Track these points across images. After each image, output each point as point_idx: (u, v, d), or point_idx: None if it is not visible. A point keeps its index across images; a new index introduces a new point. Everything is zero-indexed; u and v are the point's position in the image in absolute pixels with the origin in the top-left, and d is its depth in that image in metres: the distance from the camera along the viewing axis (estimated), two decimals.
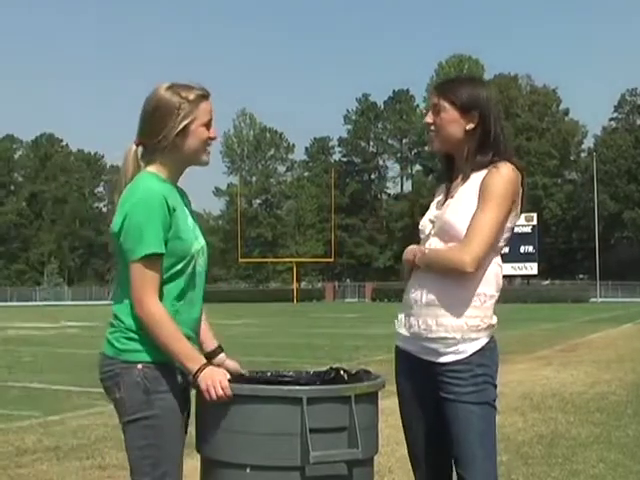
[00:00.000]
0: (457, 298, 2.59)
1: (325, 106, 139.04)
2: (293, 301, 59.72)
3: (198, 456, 2.53)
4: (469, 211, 2.58)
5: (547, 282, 68.61)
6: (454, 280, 2.58)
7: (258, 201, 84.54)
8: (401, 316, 2.75)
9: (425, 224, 2.75)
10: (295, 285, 64.12)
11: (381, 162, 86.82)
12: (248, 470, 2.25)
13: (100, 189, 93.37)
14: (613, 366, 11.57)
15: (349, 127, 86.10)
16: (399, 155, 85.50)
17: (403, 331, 2.72)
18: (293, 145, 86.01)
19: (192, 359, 2.36)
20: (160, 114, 2.45)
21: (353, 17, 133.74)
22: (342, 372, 2.57)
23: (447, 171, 2.79)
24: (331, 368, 2.62)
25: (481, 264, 2.57)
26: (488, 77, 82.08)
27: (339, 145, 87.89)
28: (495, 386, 2.64)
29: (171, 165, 2.51)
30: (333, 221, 69.18)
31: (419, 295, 2.64)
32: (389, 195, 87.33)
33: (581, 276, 73.70)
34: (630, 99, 79.85)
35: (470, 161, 2.65)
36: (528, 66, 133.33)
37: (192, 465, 3.19)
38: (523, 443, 6.08)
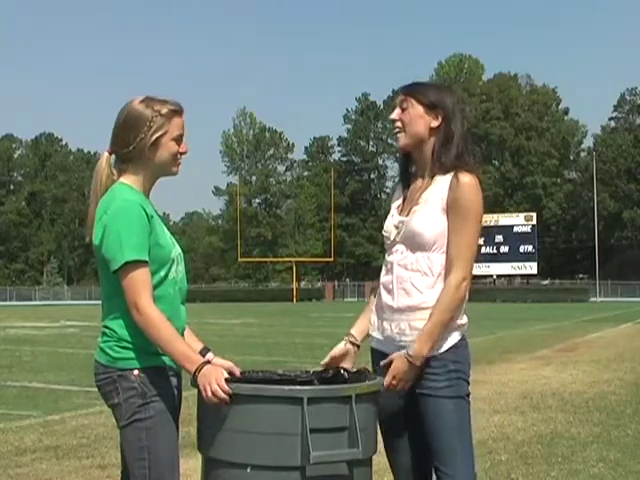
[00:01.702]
0: (428, 302, 2.65)
1: (325, 105, 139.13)
2: (293, 301, 59.72)
3: (199, 456, 2.53)
4: (434, 219, 2.67)
5: (547, 282, 68.60)
6: (423, 285, 2.66)
7: (258, 200, 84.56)
8: (374, 319, 2.82)
9: (390, 229, 2.80)
10: (295, 285, 64.12)
11: (381, 161, 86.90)
12: (249, 470, 2.24)
13: None
14: (613, 366, 11.57)
15: (349, 126, 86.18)
16: (399, 154, 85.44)
17: (377, 334, 2.80)
18: (293, 144, 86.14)
19: (190, 360, 2.38)
20: (132, 125, 2.52)
21: (353, 17, 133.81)
22: (342, 371, 2.57)
23: (405, 172, 2.89)
24: (329, 367, 2.62)
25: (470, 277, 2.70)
26: (488, 77, 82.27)
27: (339, 144, 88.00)
28: (468, 382, 2.72)
29: (142, 176, 2.57)
30: (332, 220, 69.19)
31: (390, 300, 2.72)
32: (388, 195, 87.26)
33: (581, 276, 73.71)
34: (630, 98, 79.88)
35: (434, 161, 2.73)
36: (528, 66, 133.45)
37: (193, 465, 3.17)
38: (523, 442, 6.08)
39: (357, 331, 2.87)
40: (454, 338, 2.67)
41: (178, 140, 2.56)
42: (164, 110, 2.53)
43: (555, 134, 77.89)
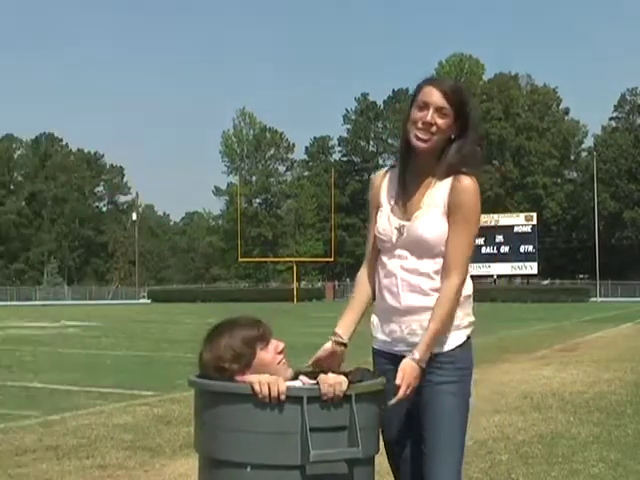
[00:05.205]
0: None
1: (325, 105, 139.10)
2: (293, 301, 59.64)
3: (197, 456, 2.52)
4: (437, 224, 2.64)
5: (547, 282, 68.59)
6: (430, 288, 2.64)
7: (258, 200, 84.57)
8: (376, 321, 2.76)
9: (389, 231, 2.70)
10: (295, 284, 64.07)
11: (381, 161, 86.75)
12: (249, 469, 2.24)
13: (100, 188, 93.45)
14: (613, 366, 11.56)
15: (349, 126, 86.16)
16: (400, 150, 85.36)
17: (381, 336, 2.74)
18: (293, 144, 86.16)
19: None
20: None
21: (353, 16, 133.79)
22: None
23: (403, 169, 2.77)
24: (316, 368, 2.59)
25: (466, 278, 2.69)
26: (488, 77, 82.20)
27: (339, 144, 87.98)
28: (471, 383, 2.69)
29: None
30: (333, 220, 69.13)
31: (396, 302, 2.67)
32: None
33: (581, 276, 73.65)
34: (630, 98, 79.83)
35: (440, 165, 2.67)
36: (528, 66, 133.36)
37: (192, 465, 3.17)
38: (523, 442, 6.08)
39: (343, 329, 2.73)
40: (462, 336, 2.67)
41: None
42: None
43: (556, 134, 77.88)
